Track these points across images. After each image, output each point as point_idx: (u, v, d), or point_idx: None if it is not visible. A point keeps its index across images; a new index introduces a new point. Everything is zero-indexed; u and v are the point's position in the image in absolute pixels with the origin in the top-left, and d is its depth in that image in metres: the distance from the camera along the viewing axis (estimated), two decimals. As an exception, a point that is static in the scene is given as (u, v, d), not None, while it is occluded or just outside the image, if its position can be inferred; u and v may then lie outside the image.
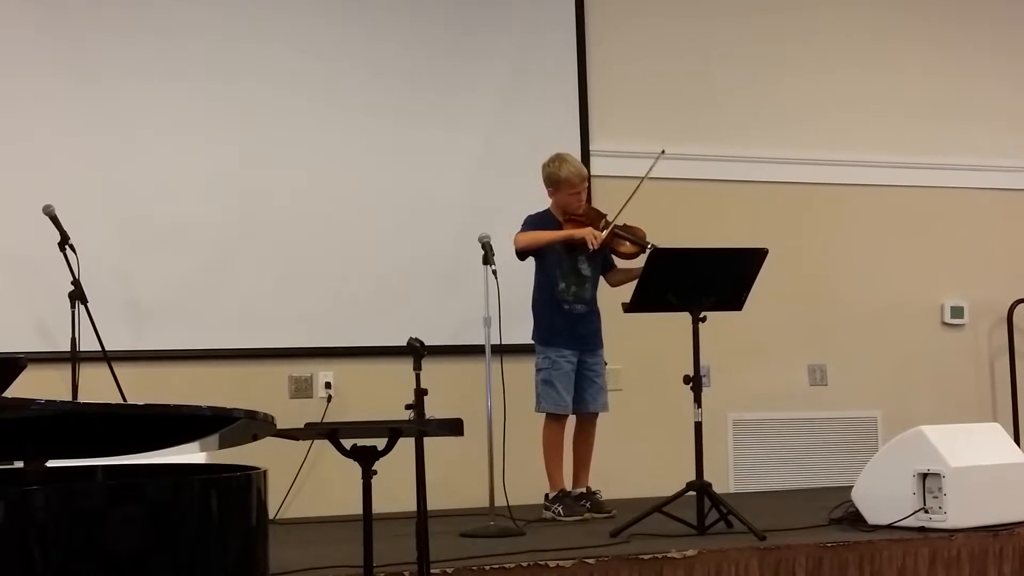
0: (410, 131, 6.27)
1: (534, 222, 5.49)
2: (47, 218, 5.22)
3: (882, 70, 7.21)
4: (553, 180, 5.48)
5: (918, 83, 7.28)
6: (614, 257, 5.58)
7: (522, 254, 5.45)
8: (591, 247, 5.33)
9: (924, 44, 7.32)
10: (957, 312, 7.23)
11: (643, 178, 5.36)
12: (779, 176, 6.90)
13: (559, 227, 5.46)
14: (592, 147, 6.53)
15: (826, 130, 7.04)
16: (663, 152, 5.43)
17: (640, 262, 5.14)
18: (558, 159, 5.51)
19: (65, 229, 5.22)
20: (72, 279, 5.18)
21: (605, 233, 5.36)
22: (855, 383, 6.96)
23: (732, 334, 6.13)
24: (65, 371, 5.19)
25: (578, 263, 5.46)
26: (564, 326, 5.45)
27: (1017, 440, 6.65)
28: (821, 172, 6.99)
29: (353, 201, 6.18)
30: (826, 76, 7.10)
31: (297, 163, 6.11)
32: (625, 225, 5.44)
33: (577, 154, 6.06)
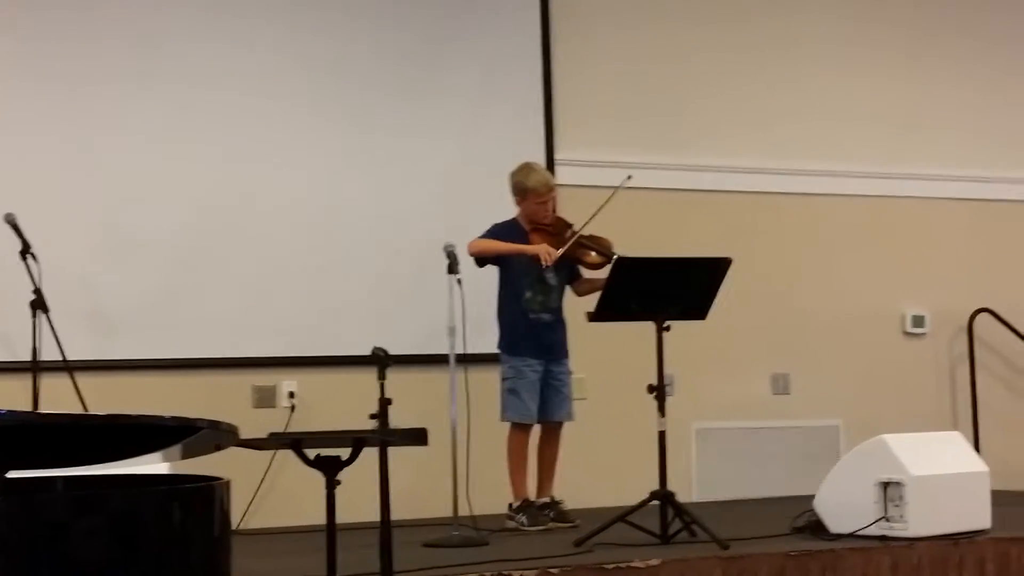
0: (376, 139, 6.26)
1: (498, 231, 5.49)
2: (8, 226, 5.18)
3: (844, 81, 7.26)
4: (520, 189, 5.49)
5: (879, 93, 7.33)
6: (581, 267, 5.59)
7: (478, 261, 5.44)
8: (544, 264, 5.32)
9: (886, 55, 7.38)
10: (918, 321, 7.29)
11: (609, 196, 5.36)
12: (743, 186, 6.93)
13: (525, 236, 5.47)
14: (557, 156, 6.54)
15: (789, 140, 7.08)
16: (629, 177, 5.42)
17: (606, 272, 5.15)
18: (526, 168, 5.53)
19: (26, 237, 5.18)
20: (33, 288, 5.14)
21: (563, 249, 5.34)
22: (817, 392, 7.00)
23: (696, 343, 6.13)
24: (25, 381, 5.15)
25: (544, 272, 5.46)
26: (530, 335, 5.45)
27: (977, 449, 6.70)
28: (784, 182, 7.03)
29: (317, 209, 6.16)
30: (789, 86, 7.14)
31: (261, 171, 6.09)
32: (591, 235, 5.45)
33: (543, 163, 6.08)
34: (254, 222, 6.07)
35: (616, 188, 5.39)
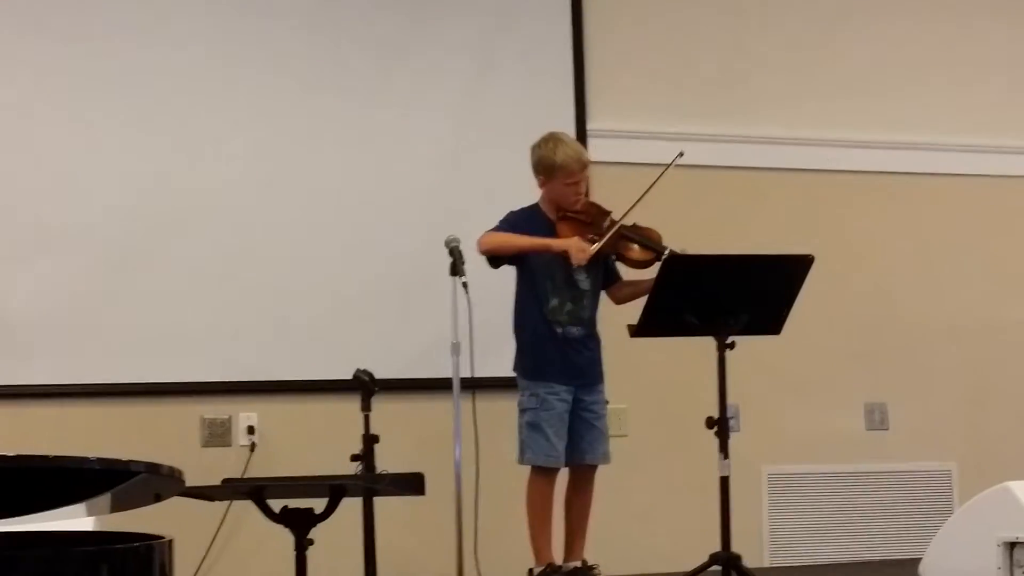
0: (363, 112, 6.30)
1: (515, 220, 5.47)
2: None
3: (960, 32, 7.24)
4: (545, 166, 5.47)
5: (1002, 50, 7.30)
6: (620, 266, 5.58)
7: (492, 260, 5.43)
8: (576, 264, 5.31)
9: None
10: (1054, 337, 7.26)
11: (657, 177, 5.35)
12: (827, 163, 6.93)
13: (550, 227, 5.45)
14: (590, 126, 6.57)
15: (888, 106, 7.06)
16: (681, 154, 5.41)
17: (653, 272, 5.14)
18: (553, 140, 5.51)
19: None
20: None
21: (600, 244, 5.31)
22: (924, 427, 6.98)
23: (767, 365, 6.14)
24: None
25: (574, 273, 5.45)
26: (555, 354, 5.43)
27: None
28: (881, 158, 7.01)
29: (284, 197, 6.18)
30: (888, 41, 7.13)
31: (213, 151, 6.12)
32: (634, 225, 5.44)
33: (571, 135, 6.06)
34: (204, 214, 6.08)
35: (665, 167, 5.36)
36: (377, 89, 6.32)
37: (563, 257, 5.38)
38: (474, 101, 6.43)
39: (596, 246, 5.30)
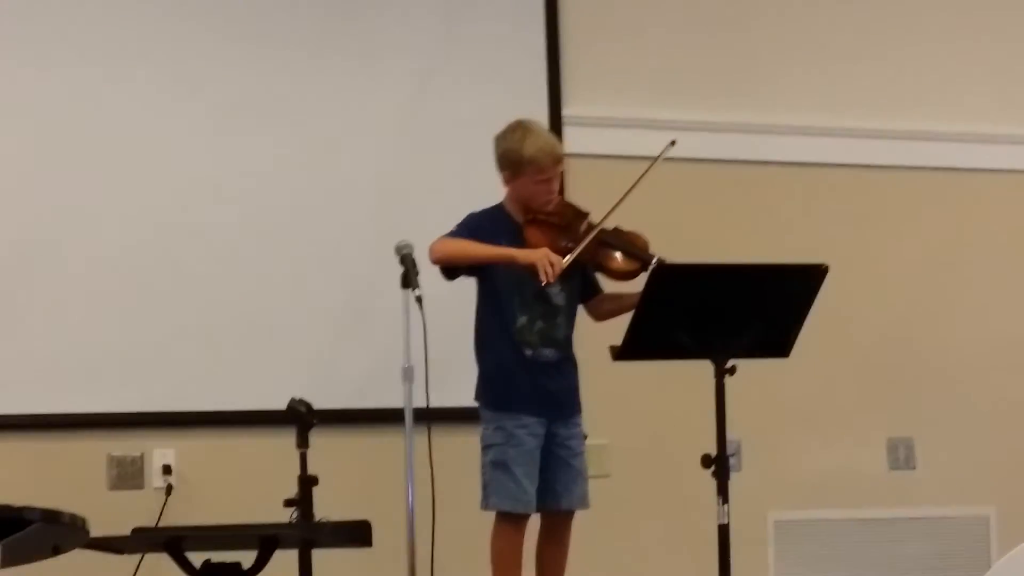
0: (299, 98, 6.31)
1: (475, 223, 5.46)
2: None
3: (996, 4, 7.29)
4: (512, 160, 5.45)
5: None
6: (601, 277, 5.59)
7: (447, 271, 5.43)
8: (544, 280, 5.30)
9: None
10: (1108, 361, 7.30)
11: (646, 170, 5.37)
12: (842, 157, 6.95)
13: (517, 231, 5.45)
14: (565, 112, 6.59)
15: (915, 90, 7.09)
16: (673, 143, 5.43)
17: (639, 285, 5.14)
18: (521, 129, 5.50)
19: None
20: None
21: (575, 254, 5.30)
22: (957, 466, 6.99)
23: (774, 394, 6.16)
24: None
25: (547, 287, 5.43)
26: (524, 381, 5.42)
27: None
28: (904, 151, 7.03)
29: (209, 196, 6.18)
30: (913, 13, 7.15)
31: (130, 150, 6.10)
32: (616, 229, 5.45)
33: (543, 123, 6.06)
34: (112, 215, 6.07)
35: (653, 159, 5.38)
36: (315, 70, 6.34)
37: (530, 271, 5.37)
38: (429, 83, 6.45)
39: (570, 257, 5.29)
